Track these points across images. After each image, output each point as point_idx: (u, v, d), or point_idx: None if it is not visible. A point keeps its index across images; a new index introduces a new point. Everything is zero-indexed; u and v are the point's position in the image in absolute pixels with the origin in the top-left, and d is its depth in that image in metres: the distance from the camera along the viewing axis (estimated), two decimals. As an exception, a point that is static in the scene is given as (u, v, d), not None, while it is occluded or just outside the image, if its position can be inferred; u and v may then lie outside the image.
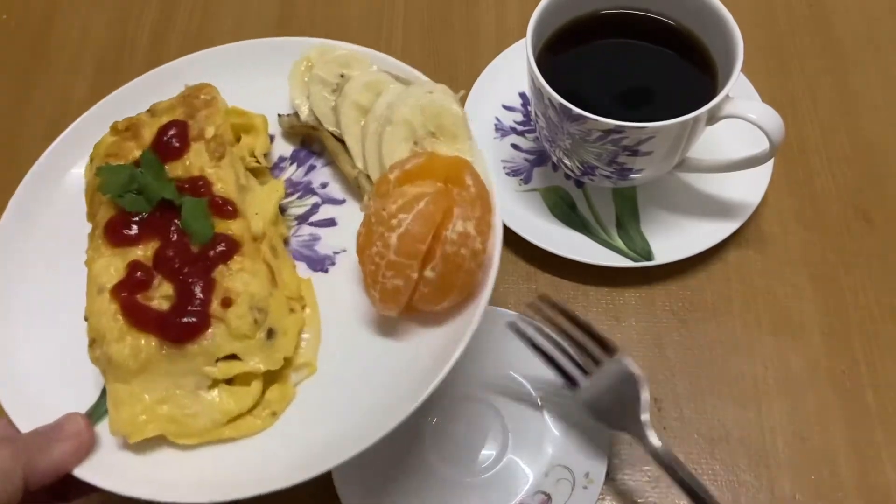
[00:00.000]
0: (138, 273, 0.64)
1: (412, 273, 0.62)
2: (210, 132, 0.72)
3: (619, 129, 0.73)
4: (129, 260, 0.65)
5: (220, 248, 0.65)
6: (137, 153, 0.71)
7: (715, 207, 0.87)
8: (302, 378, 0.66)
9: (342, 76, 0.78)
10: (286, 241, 0.75)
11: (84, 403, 0.66)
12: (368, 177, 0.75)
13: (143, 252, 0.66)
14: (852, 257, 0.87)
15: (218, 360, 0.62)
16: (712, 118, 0.75)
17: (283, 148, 0.81)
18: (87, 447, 0.61)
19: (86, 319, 0.64)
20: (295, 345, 0.66)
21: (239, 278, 0.64)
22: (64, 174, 0.77)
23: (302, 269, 0.73)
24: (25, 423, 0.62)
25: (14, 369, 0.66)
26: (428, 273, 0.62)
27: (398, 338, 0.67)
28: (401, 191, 0.66)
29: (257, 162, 0.76)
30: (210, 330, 0.62)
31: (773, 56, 1.00)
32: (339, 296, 0.71)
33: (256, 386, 0.64)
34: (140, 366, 0.61)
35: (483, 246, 0.63)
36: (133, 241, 0.66)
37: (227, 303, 0.62)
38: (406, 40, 1.04)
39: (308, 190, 0.78)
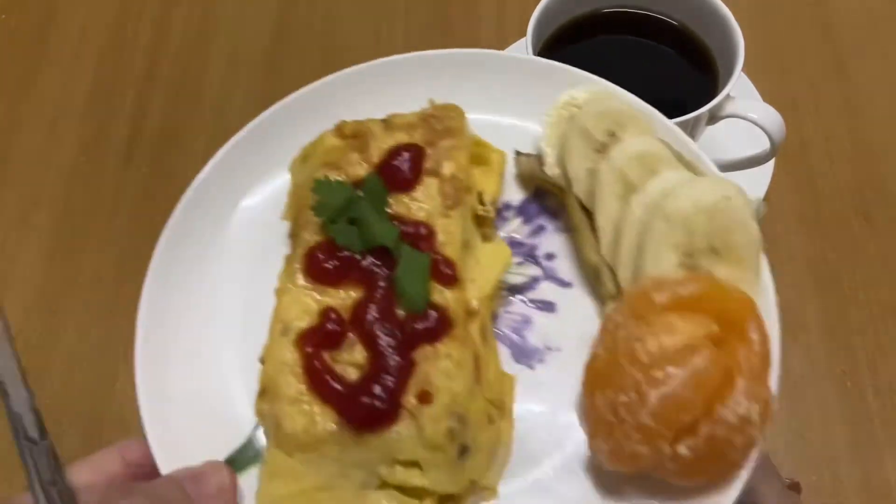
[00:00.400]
0: (330, 324, 0.54)
1: (663, 445, 0.48)
2: (448, 170, 0.59)
3: None
4: (324, 304, 0.55)
5: (430, 322, 0.54)
6: (361, 171, 0.59)
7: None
8: (479, 502, 0.55)
9: (612, 135, 0.64)
10: (493, 316, 0.62)
11: (228, 445, 0.57)
12: (613, 272, 0.61)
13: (341, 298, 0.55)
14: (853, 257, 0.86)
15: (396, 462, 0.52)
16: (713, 118, 0.74)
17: (510, 192, 0.68)
18: None
19: (261, 361, 0.55)
20: (486, 466, 0.54)
21: (442, 368, 0.52)
22: (236, 199, 0.66)
23: (504, 356, 0.61)
24: (165, 459, 0.54)
25: (164, 396, 0.57)
26: (682, 450, 0.48)
27: (606, 492, 0.54)
28: (667, 323, 0.52)
29: (485, 210, 0.63)
30: (398, 426, 0.51)
31: (774, 55, 1.00)
32: (540, 406, 0.58)
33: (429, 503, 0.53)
34: (310, 442, 0.51)
35: (761, 435, 0.49)
36: (333, 282, 0.55)
37: (424, 398, 0.51)
38: (406, 40, 1.02)
39: (530, 257, 0.65)
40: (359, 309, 0.54)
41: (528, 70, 0.69)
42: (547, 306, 0.63)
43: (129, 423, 0.78)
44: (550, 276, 0.64)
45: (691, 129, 0.73)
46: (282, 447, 0.52)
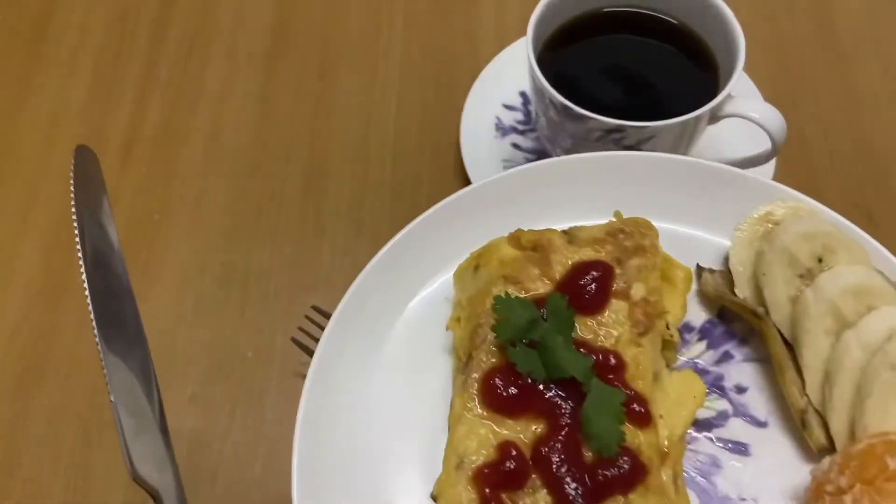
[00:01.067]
0: (511, 462, 0.49)
1: None
2: (639, 292, 0.54)
3: (619, 129, 0.70)
4: (502, 436, 0.50)
5: (623, 469, 0.48)
6: (542, 288, 0.55)
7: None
8: None
9: (820, 260, 0.58)
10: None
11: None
12: (822, 417, 0.54)
13: (520, 432, 0.50)
14: None
15: None
16: (714, 117, 0.73)
17: (692, 313, 0.62)
18: None
19: (432, 498, 0.50)
20: None
21: (636, 524, 0.47)
22: (399, 303, 0.62)
23: (691, 505, 0.54)
24: None
25: None
26: None
27: None
28: (908, 496, 0.44)
29: (671, 335, 0.58)
30: (584, 591, 0.45)
31: (775, 55, 0.98)
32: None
33: None
34: None
35: None
36: (514, 413, 0.51)
37: (617, 560, 0.45)
38: (406, 39, 1.00)
39: (717, 387, 0.59)
40: (542, 447, 0.49)
41: (718, 178, 0.64)
42: (739, 448, 0.56)
43: None
44: (742, 413, 0.58)
45: (692, 129, 0.73)
46: None
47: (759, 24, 0.99)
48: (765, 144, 0.74)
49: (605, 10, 0.82)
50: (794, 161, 0.88)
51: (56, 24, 1.08)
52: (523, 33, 0.76)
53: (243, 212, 0.87)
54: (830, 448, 0.53)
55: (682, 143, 0.75)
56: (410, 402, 0.59)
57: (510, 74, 0.88)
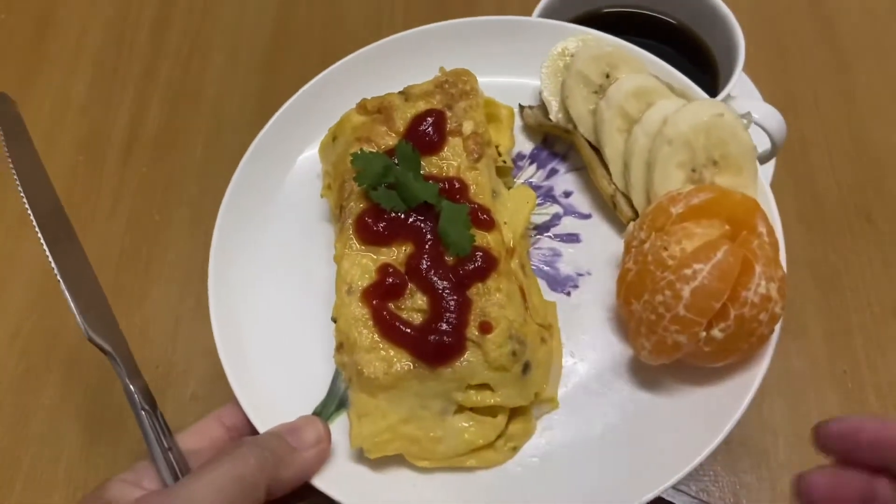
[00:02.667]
0: (390, 278, 0.60)
1: (699, 331, 0.55)
2: (468, 128, 0.66)
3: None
4: (380, 262, 0.61)
5: (478, 263, 0.60)
6: (391, 141, 0.66)
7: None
8: (543, 413, 0.62)
9: (607, 76, 0.70)
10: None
11: (311, 399, 0.63)
12: (627, 197, 0.68)
13: (394, 255, 0.61)
14: (854, 257, 0.85)
15: (469, 387, 0.59)
16: None
17: (520, 144, 0.75)
18: (326, 456, 0.58)
19: (333, 320, 0.61)
20: (546, 379, 0.61)
21: (496, 300, 0.59)
22: (293, 157, 0.73)
23: (541, 288, 0.67)
24: (259, 419, 0.60)
25: (246, 363, 0.63)
26: (716, 333, 0.56)
27: (650, 386, 0.61)
28: (684, 229, 0.59)
29: (503, 161, 0.70)
30: (466, 355, 0.58)
31: (775, 55, 0.98)
32: (582, 325, 0.65)
33: (502, 419, 0.59)
34: (390, 382, 0.57)
35: (782, 311, 0.56)
36: (385, 241, 0.62)
37: (485, 328, 0.58)
38: None
39: (549, 197, 0.72)
40: (412, 261, 0.60)
41: (522, 30, 0.75)
42: (572, 238, 0.70)
43: (129, 423, 0.76)
44: (571, 212, 0.71)
45: None
46: (365, 390, 0.58)
47: (759, 25, 0.99)
48: (765, 144, 0.74)
49: (605, 10, 0.83)
50: (794, 161, 0.89)
51: (56, 24, 1.05)
52: None
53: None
54: (635, 217, 0.67)
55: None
56: (303, 263, 0.69)
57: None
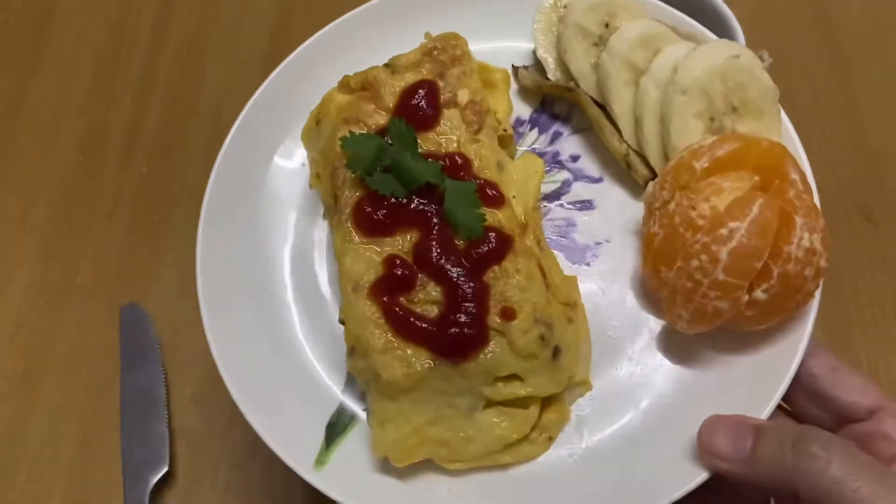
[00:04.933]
0: (399, 270, 0.55)
1: (741, 295, 0.51)
2: (464, 97, 0.60)
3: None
4: (385, 253, 0.56)
5: (491, 244, 0.55)
6: (381, 119, 0.60)
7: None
8: (576, 398, 0.58)
9: (607, 25, 0.65)
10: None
11: (324, 411, 0.58)
12: (641, 156, 0.63)
13: (400, 245, 0.56)
14: (854, 257, 0.84)
15: (496, 380, 0.54)
16: None
17: (518, 109, 0.69)
18: None
19: (341, 322, 0.56)
20: (577, 361, 0.56)
21: (515, 283, 0.54)
22: (275, 148, 0.67)
23: (560, 261, 0.62)
24: (271, 436, 0.55)
25: (251, 380, 0.58)
26: (759, 295, 0.51)
27: (688, 358, 0.57)
28: (711, 185, 0.54)
29: (504, 130, 0.64)
30: (490, 346, 0.53)
31: (775, 55, 0.98)
32: (607, 297, 0.61)
33: (534, 409, 0.55)
34: (412, 383, 0.53)
35: (826, 263, 0.52)
36: (388, 231, 0.56)
37: (508, 314, 0.53)
38: None
39: (556, 162, 0.67)
40: (420, 249, 0.55)
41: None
42: (585, 205, 0.65)
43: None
44: (580, 176, 0.66)
45: None
46: (386, 395, 0.54)
47: (759, 25, 0.98)
48: None
49: None
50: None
51: (56, 24, 1.04)
52: None
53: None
54: (653, 177, 0.62)
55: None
56: (299, 262, 0.64)
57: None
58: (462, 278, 0.54)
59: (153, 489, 0.72)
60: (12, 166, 0.94)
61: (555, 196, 0.65)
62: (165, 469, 0.73)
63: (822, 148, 0.90)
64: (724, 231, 0.50)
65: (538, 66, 0.68)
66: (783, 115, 0.60)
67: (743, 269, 0.50)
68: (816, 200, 0.56)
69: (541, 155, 0.67)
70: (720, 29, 0.75)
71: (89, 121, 0.96)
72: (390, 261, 0.55)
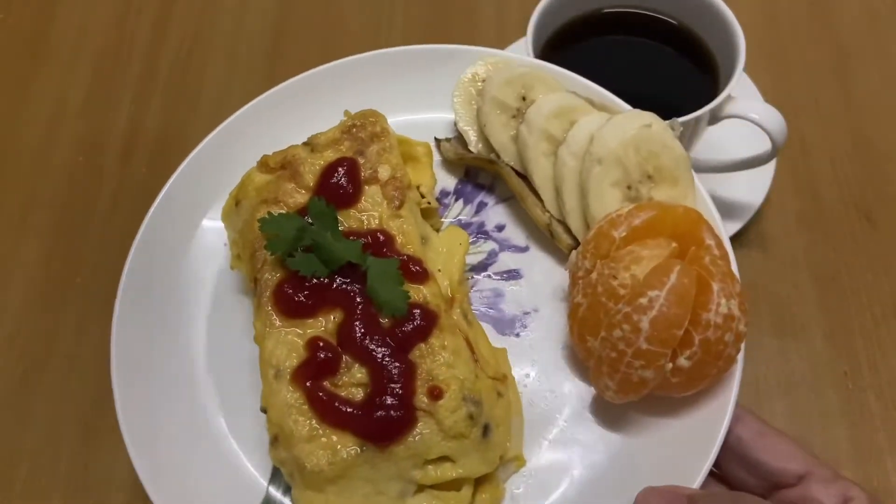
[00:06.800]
0: (322, 353, 0.53)
1: (665, 363, 0.51)
2: (385, 173, 0.60)
3: None
4: (307, 336, 0.54)
5: (417, 322, 0.54)
6: (301, 198, 0.59)
7: (717, 208, 0.78)
8: (510, 474, 0.56)
9: (524, 99, 0.66)
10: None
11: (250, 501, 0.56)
12: (564, 224, 0.63)
13: (323, 326, 0.55)
14: (854, 258, 0.85)
15: (426, 463, 0.52)
16: (714, 118, 0.74)
17: (443, 180, 0.69)
18: None
19: (263, 411, 0.54)
20: (508, 437, 0.55)
21: (441, 360, 0.53)
22: (193, 228, 0.66)
23: (489, 333, 0.62)
24: None
25: (167, 475, 0.55)
26: (682, 362, 0.51)
27: (621, 426, 0.57)
28: (630, 253, 0.55)
29: (427, 203, 0.64)
30: (418, 427, 0.51)
31: (776, 56, 0.98)
32: (538, 367, 0.60)
33: (467, 491, 0.53)
34: (338, 471, 0.51)
35: (746, 328, 0.53)
36: (310, 312, 0.55)
37: (435, 394, 0.52)
38: (405, 40, 1.01)
39: (482, 233, 0.67)
40: (344, 330, 0.54)
41: (427, 60, 0.70)
42: (512, 274, 0.65)
43: None
44: (507, 246, 0.66)
45: (692, 130, 0.73)
46: (310, 486, 0.51)
47: (760, 25, 0.99)
48: (765, 145, 0.74)
49: (605, 10, 0.81)
50: (794, 161, 0.88)
51: (56, 24, 1.03)
52: (523, 34, 0.76)
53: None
54: (576, 245, 0.63)
55: (682, 143, 0.71)
56: (220, 346, 0.62)
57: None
58: (387, 358, 0.53)
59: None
60: (12, 166, 0.92)
61: (482, 267, 0.65)
62: None
63: (822, 148, 0.90)
64: (643, 300, 0.51)
65: (460, 138, 0.69)
66: (696, 181, 0.62)
67: (664, 338, 0.51)
68: (734, 265, 0.58)
69: (466, 225, 0.67)
70: (720, 30, 0.75)
71: (89, 121, 0.96)
72: (313, 343, 0.54)
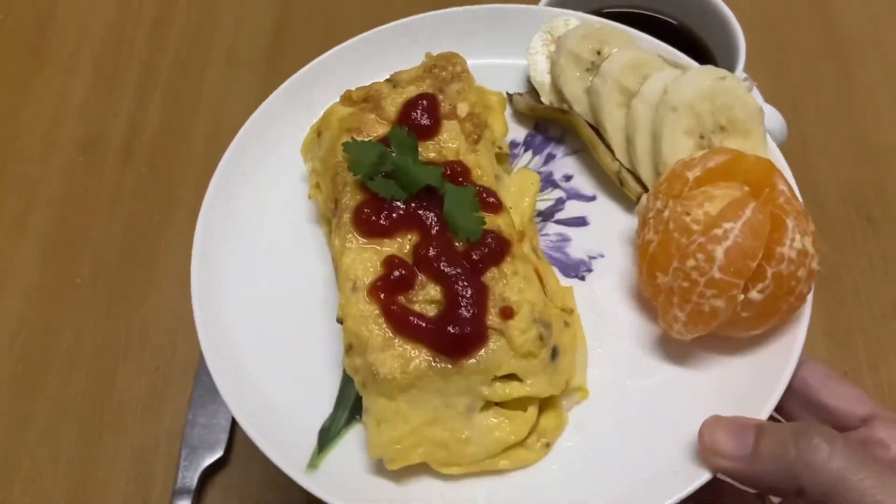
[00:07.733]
0: (398, 270, 0.55)
1: (737, 294, 0.52)
2: (464, 110, 0.62)
3: None
4: (384, 254, 0.56)
5: (490, 247, 0.56)
6: (382, 129, 0.61)
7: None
8: (573, 404, 0.57)
9: (599, 53, 0.68)
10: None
11: (319, 412, 0.57)
12: (633, 173, 0.65)
13: (398, 246, 0.56)
14: (854, 258, 0.85)
15: (495, 380, 0.53)
16: None
17: (513, 132, 0.71)
18: None
19: (339, 321, 0.55)
20: (573, 367, 0.56)
21: (514, 284, 0.55)
22: (276, 158, 0.68)
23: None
24: (264, 439, 0.54)
25: (242, 380, 0.57)
26: (754, 295, 0.52)
27: (683, 366, 0.57)
28: (704, 193, 0.56)
29: (499, 147, 0.66)
30: (489, 344, 0.53)
31: (775, 56, 1.00)
32: (602, 308, 0.61)
33: (532, 412, 0.54)
34: (409, 381, 0.52)
35: (818, 267, 0.53)
36: (387, 233, 0.57)
37: (507, 313, 0.53)
38: None
39: (550, 182, 0.68)
40: (420, 250, 0.56)
41: (505, 17, 0.72)
42: (579, 221, 0.66)
43: (128, 424, 0.79)
44: (574, 195, 0.68)
45: None
46: (382, 393, 0.53)
47: (759, 25, 0.99)
48: None
49: (606, 10, 0.81)
50: (794, 162, 0.83)
51: (56, 24, 1.05)
52: None
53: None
54: (645, 192, 0.64)
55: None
56: (295, 266, 0.64)
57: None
58: (461, 278, 0.54)
59: (205, 470, 0.74)
60: (12, 166, 0.94)
61: (549, 214, 0.67)
62: (220, 454, 0.75)
63: (822, 148, 0.90)
64: (718, 231, 0.52)
65: (532, 92, 0.71)
66: (769, 138, 0.63)
67: (738, 268, 0.51)
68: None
69: (535, 175, 0.69)
70: (720, 30, 0.76)
71: (89, 121, 0.97)
72: (389, 261, 0.56)
